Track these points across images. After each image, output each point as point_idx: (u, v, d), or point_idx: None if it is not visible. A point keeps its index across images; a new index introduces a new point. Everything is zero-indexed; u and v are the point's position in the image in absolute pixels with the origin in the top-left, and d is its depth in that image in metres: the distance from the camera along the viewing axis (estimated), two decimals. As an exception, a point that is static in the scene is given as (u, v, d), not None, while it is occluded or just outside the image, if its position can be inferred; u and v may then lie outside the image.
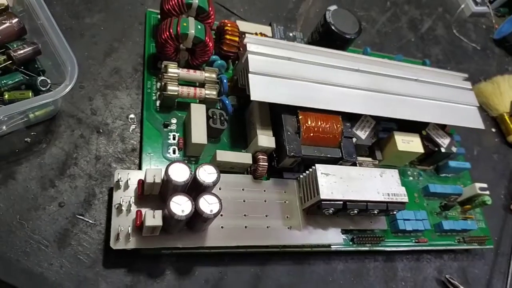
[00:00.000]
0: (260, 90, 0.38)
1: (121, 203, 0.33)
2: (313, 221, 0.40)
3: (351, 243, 0.42)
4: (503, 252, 0.52)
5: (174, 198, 0.31)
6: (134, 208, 0.34)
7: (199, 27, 0.40)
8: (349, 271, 0.42)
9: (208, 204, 0.32)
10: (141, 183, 0.34)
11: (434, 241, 0.46)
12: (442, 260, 0.47)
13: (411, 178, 0.49)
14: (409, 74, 0.47)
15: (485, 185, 0.49)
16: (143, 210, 0.33)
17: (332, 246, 0.41)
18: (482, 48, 0.71)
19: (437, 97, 0.47)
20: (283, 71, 0.40)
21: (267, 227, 0.38)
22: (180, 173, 0.32)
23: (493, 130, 0.63)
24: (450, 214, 0.49)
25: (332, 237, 0.40)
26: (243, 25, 0.46)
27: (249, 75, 0.39)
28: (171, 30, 0.39)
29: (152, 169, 0.33)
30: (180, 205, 0.31)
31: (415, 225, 0.44)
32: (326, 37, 0.47)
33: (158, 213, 0.32)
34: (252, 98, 0.38)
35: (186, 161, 0.39)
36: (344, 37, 0.46)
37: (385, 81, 0.45)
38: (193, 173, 0.33)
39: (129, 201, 0.34)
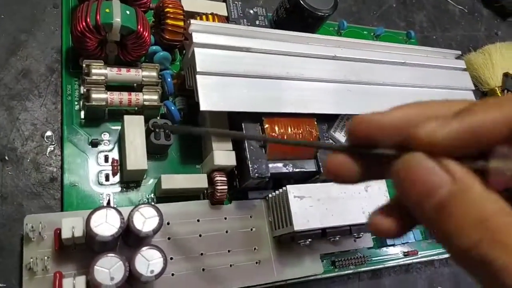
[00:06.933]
0: (212, 96, 0.30)
1: (34, 262, 0.25)
2: (287, 250, 0.33)
3: (332, 267, 0.36)
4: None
5: (99, 261, 0.23)
6: (52, 268, 0.26)
7: (128, 12, 0.30)
8: (330, 297, 0.36)
9: (146, 261, 0.25)
10: (58, 233, 0.26)
11: (425, 250, 0.40)
12: (433, 267, 0.42)
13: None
14: (394, 56, 0.39)
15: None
16: (63, 272, 0.25)
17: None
18: (470, 11, 0.63)
19: (428, 83, 0.40)
20: (241, 67, 0.31)
21: (231, 265, 0.31)
22: (108, 222, 0.24)
23: (483, 106, 0.57)
24: (442, 216, 0.43)
25: (310, 267, 0.33)
26: (189, 4, 0.36)
27: (197, 76, 0.30)
28: (88, 20, 0.29)
29: (69, 219, 0.25)
30: (109, 270, 0.23)
31: (405, 237, 0.38)
32: (295, 15, 0.38)
33: (81, 280, 0.24)
34: (202, 108, 0.29)
35: (124, 189, 0.31)
36: (317, 14, 0.37)
37: (367, 69, 0.37)
38: (125, 220, 0.25)
39: (45, 258, 0.26)
